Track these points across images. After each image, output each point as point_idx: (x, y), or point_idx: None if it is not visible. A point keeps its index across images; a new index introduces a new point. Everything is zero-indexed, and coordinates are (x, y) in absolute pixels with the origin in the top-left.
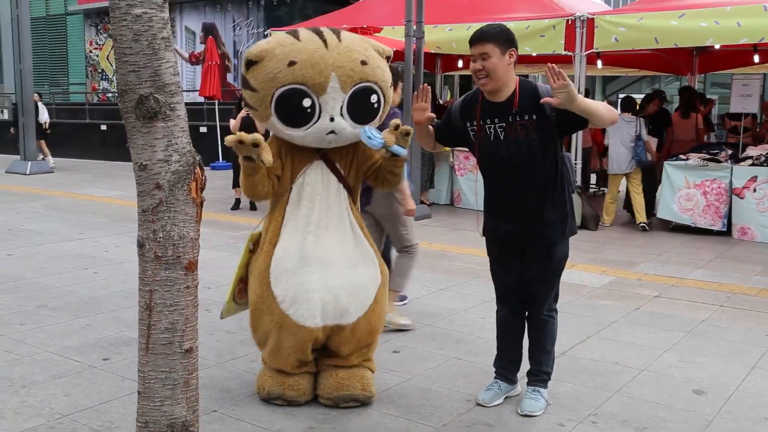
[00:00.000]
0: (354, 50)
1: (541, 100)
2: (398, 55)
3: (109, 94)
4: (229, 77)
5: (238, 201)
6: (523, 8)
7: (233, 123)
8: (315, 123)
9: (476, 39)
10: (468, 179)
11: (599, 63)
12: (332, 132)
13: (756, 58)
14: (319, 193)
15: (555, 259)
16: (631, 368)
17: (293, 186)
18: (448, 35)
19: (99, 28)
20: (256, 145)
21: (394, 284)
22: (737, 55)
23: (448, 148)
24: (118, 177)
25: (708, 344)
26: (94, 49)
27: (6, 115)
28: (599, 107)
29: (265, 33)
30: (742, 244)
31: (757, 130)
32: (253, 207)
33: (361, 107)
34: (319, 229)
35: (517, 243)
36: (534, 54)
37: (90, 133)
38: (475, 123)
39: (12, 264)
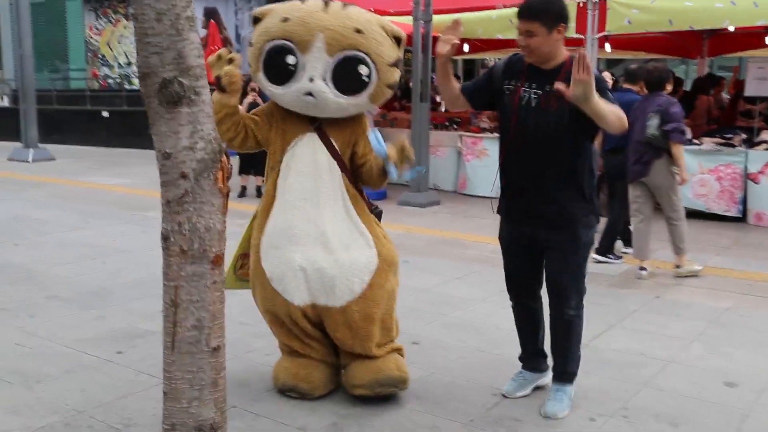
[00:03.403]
0: (352, 18)
1: (554, 85)
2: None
3: (110, 81)
4: None
5: (244, 188)
6: None
7: (240, 109)
8: (295, 81)
9: (522, 15)
10: (474, 165)
11: (607, 46)
12: (310, 94)
13: None
14: (308, 166)
15: (579, 247)
16: (658, 359)
17: (284, 157)
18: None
19: (98, 12)
20: (231, 61)
21: (679, 250)
22: (748, 38)
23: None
24: (121, 164)
25: (734, 334)
26: (94, 34)
27: (6, 102)
28: (609, 114)
29: None
30: (758, 230)
31: None
32: (259, 194)
33: (346, 76)
34: (308, 203)
35: (531, 228)
36: None
37: (91, 120)
38: (514, 83)
39: (19, 253)
